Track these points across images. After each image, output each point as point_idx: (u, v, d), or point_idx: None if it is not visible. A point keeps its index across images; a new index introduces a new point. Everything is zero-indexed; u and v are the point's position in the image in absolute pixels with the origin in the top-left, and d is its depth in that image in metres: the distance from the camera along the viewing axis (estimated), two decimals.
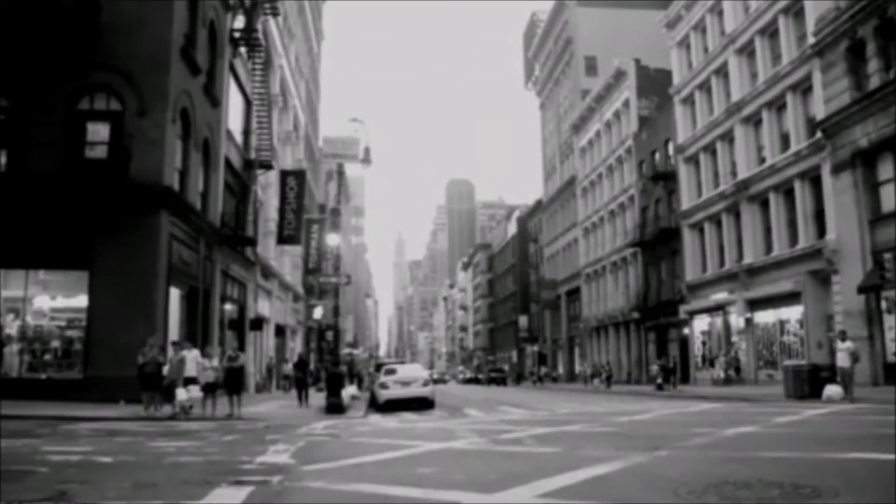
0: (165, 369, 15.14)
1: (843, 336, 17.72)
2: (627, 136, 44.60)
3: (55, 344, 18.01)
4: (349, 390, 23.11)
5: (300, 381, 20.87)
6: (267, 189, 32.47)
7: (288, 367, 31.36)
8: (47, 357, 17.96)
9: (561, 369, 59.03)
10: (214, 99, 22.65)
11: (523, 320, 72.20)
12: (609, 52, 50.06)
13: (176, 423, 13.65)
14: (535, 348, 67.86)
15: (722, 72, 32.67)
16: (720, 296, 31.96)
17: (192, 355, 15.79)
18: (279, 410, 17.92)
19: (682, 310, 35.56)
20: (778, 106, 28.19)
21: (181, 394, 15.02)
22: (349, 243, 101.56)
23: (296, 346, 41.70)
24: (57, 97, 17.71)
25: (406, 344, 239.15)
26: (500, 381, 59.88)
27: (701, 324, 35.13)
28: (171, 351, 16.12)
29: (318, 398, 20.52)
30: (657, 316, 39.91)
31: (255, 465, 7.14)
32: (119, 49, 17.95)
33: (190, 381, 15.64)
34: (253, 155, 28.85)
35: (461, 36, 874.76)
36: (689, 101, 36.23)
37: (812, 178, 25.68)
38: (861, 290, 21.55)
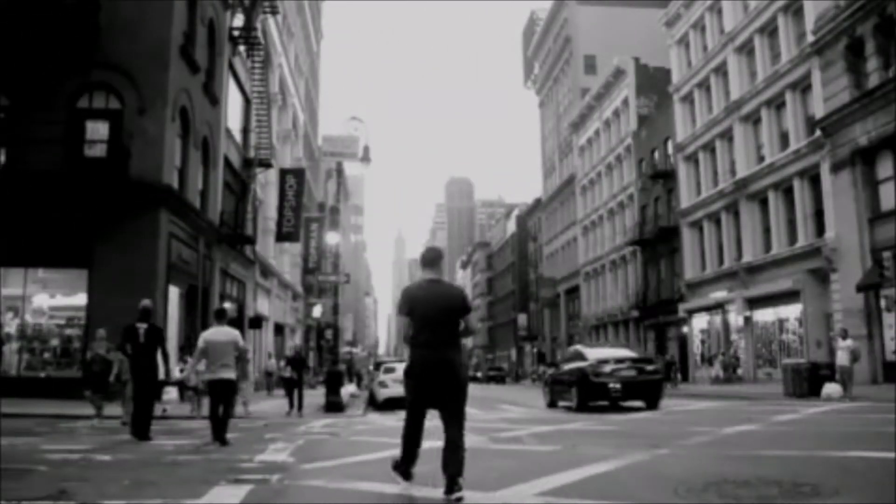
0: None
1: (844, 334, 17.76)
2: (627, 135, 44.59)
3: (54, 342, 18.00)
4: (348, 389, 23.10)
5: (294, 382, 17.03)
6: (266, 188, 32.43)
7: (272, 364, 28.81)
8: (46, 355, 17.95)
9: None
10: (213, 97, 22.63)
11: (522, 319, 72.17)
12: (608, 51, 50.04)
13: (176, 420, 13.66)
14: (535, 347, 67.87)
15: (721, 70, 32.66)
16: (719, 294, 31.96)
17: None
18: (277, 409, 17.91)
19: (682, 308, 35.58)
20: (777, 104, 28.19)
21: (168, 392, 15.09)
22: (348, 242, 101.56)
23: (295, 344, 41.56)
24: (57, 95, 17.68)
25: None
26: (499, 380, 59.93)
27: (700, 322, 35.14)
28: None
29: (312, 397, 20.33)
30: (656, 314, 39.92)
31: (254, 464, 7.13)
32: (119, 47, 17.93)
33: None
34: (252, 153, 28.81)
35: (461, 34, 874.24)
36: (688, 99, 36.23)
37: (811, 177, 25.69)
38: (860, 288, 21.56)
